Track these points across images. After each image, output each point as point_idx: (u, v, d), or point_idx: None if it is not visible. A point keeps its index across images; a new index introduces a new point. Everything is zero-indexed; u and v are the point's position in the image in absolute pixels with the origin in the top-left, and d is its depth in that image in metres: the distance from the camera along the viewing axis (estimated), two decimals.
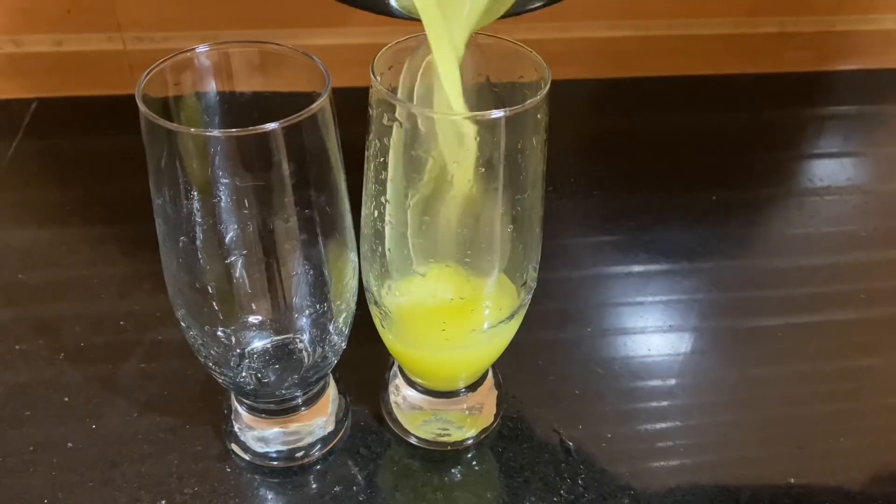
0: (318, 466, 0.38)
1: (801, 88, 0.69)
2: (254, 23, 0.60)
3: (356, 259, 0.34)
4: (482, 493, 0.37)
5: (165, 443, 0.38)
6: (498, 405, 0.40)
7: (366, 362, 0.42)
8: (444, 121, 0.29)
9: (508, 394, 0.41)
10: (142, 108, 0.27)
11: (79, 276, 0.47)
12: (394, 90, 0.32)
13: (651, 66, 0.68)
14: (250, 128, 0.27)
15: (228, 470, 0.37)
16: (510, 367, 0.42)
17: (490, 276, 0.32)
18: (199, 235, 0.29)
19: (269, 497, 0.36)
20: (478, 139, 0.29)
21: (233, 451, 0.38)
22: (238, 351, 0.34)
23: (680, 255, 0.51)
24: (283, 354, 0.35)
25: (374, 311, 0.35)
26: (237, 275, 0.31)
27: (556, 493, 0.37)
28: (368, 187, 0.32)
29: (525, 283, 0.34)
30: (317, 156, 0.30)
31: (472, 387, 0.39)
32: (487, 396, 0.40)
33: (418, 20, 0.29)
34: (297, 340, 0.35)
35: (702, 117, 0.65)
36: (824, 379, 0.44)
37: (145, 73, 0.28)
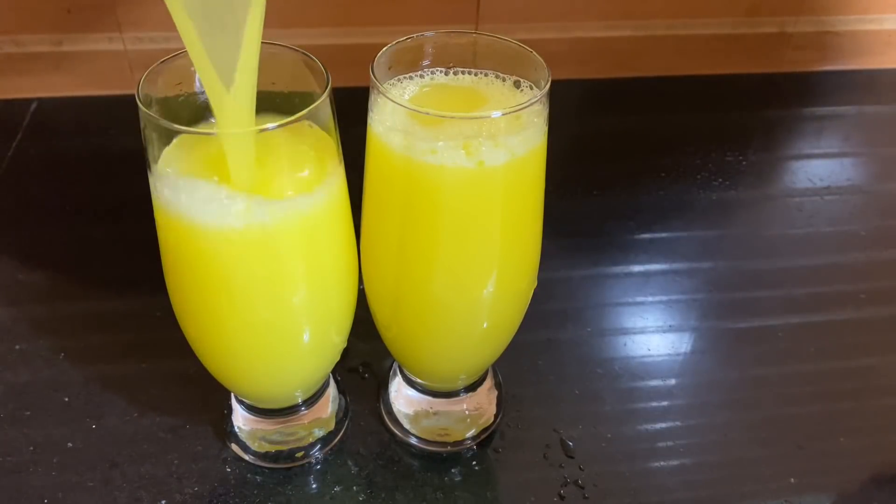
0: (318, 466, 0.38)
1: (801, 88, 0.69)
2: None
3: (356, 258, 0.34)
4: (482, 493, 0.37)
5: (165, 443, 0.38)
6: (498, 405, 0.40)
7: (366, 362, 0.43)
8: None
9: (508, 394, 0.41)
10: (142, 108, 0.27)
11: (79, 276, 0.47)
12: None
13: (651, 66, 0.68)
14: (250, 128, 0.27)
15: (228, 470, 0.37)
16: (510, 367, 0.42)
17: None
18: None
19: (270, 497, 0.36)
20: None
21: (233, 450, 0.38)
22: None
23: (680, 255, 0.51)
24: None
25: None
26: None
27: (556, 493, 0.37)
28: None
29: None
30: (317, 156, 0.30)
31: (472, 387, 0.39)
32: (487, 396, 0.40)
33: None
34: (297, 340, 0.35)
35: (702, 117, 0.65)
36: (824, 379, 0.44)
37: (145, 73, 0.28)
